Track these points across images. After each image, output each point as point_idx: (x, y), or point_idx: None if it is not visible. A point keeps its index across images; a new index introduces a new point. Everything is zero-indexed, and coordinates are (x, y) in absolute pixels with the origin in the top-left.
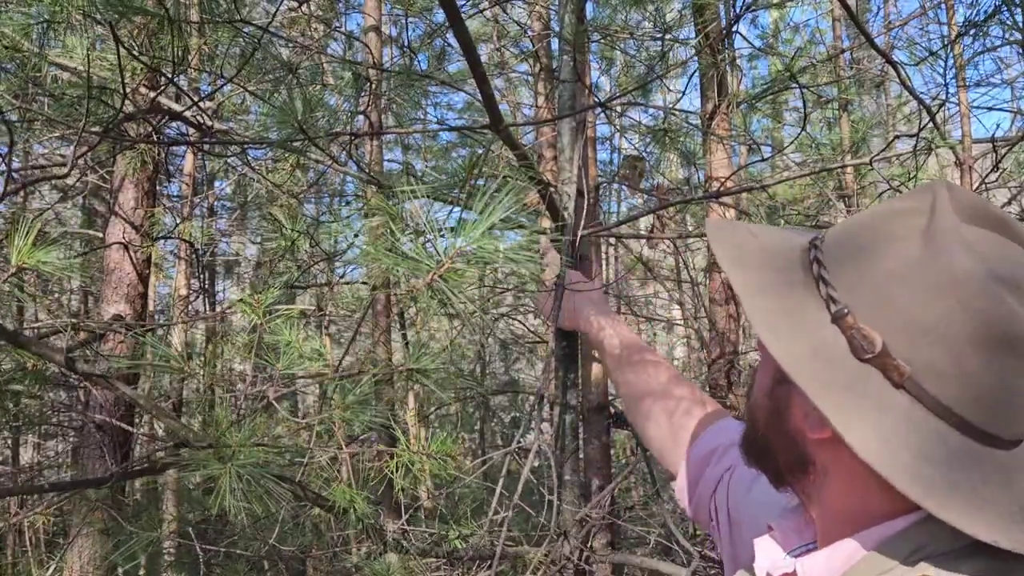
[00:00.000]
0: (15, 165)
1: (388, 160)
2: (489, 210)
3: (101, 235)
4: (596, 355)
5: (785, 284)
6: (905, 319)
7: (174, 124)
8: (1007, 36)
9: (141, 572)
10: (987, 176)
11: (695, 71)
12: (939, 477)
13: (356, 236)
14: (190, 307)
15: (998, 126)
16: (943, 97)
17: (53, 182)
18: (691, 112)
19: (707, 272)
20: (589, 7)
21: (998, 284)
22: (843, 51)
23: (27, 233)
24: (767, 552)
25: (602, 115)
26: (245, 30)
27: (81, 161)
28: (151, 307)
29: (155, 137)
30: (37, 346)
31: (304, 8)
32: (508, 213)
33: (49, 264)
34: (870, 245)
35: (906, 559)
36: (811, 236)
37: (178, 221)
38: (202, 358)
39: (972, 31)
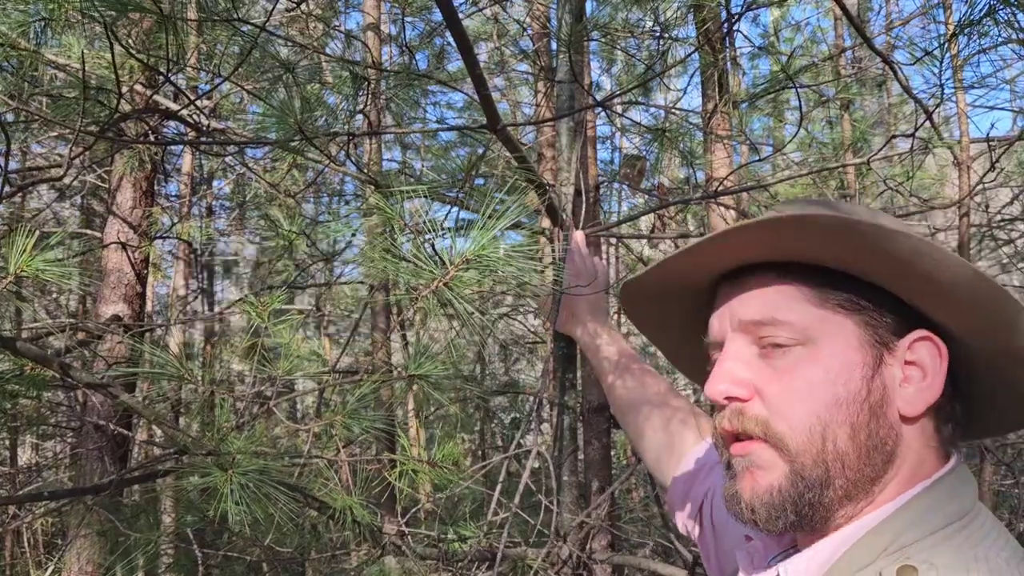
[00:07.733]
0: (12, 165)
1: (387, 159)
2: (498, 215)
3: (99, 235)
4: (591, 361)
5: None
6: None
7: (171, 123)
8: (1004, 35)
9: (140, 574)
10: (985, 176)
11: (695, 70)
12: None
13: (354, 235)
14: (188, 307)
15: (993, 125)
16: (939, 97)
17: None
18: (691, 111)
19: None
20: (588, 5)
21: None
22: (844, 50)
23: (25, 237)
24: (747, 561)
25: (603, 114)
26: (243, 28)
27: (78, 161)
28: (149, 307)
29: (152, 137)
30: (32, 354)
31: (303, 6)
32: (516, 219)
33: (48, 272)
34: None
35: (886, 550)
36: None
37: (176, 221)
38: (201, 359)
39: (967, 30)
